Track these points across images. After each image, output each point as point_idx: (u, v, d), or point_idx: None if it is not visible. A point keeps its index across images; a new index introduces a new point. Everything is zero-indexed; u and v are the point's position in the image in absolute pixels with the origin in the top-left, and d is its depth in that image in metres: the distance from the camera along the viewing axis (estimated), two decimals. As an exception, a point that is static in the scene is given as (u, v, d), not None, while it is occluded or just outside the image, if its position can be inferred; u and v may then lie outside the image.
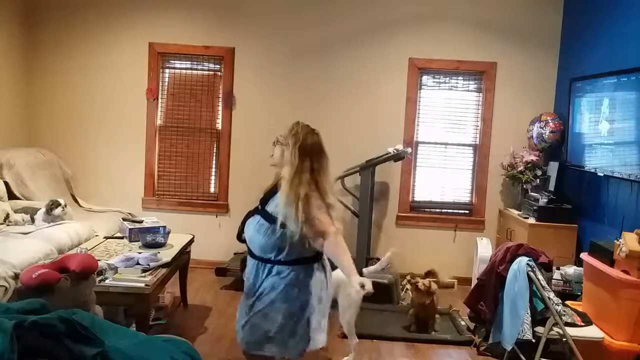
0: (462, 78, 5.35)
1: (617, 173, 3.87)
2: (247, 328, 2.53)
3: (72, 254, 2.77)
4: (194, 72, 5.42)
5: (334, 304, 3.31)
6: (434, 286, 3.91)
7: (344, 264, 2.38)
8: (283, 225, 2.40)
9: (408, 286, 3.98)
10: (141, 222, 4.16)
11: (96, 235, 4.22)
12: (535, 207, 4.61)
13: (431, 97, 5.37)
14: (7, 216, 4.18)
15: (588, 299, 3.57)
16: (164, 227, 4.01)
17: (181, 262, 4.00)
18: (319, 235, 2.39)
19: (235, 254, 5.09)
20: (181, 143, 5.45)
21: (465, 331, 4.01)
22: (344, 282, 3.12)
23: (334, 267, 2.78)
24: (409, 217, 5.38)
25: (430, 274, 4.16)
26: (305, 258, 2.48)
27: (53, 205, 4.18)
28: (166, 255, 3.58)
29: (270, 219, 2.46)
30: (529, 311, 3.28)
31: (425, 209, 5.46)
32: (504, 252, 3.56)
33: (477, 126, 5.35)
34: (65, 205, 4.24)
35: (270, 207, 2.49)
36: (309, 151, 2.44)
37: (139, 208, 5.34)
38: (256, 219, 2.54)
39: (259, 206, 2.58)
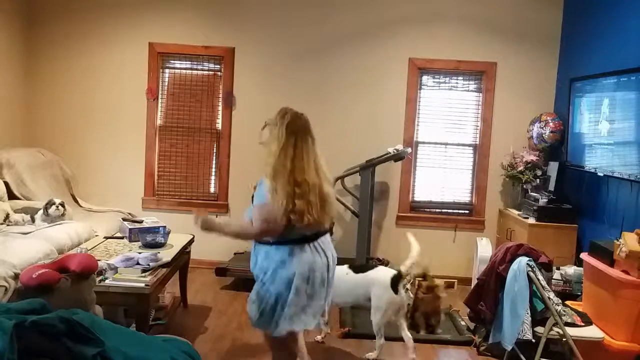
0: (462, 78, 5.35)
1: (617, 173, 3.87)
2: (252, 306, 2.64)
3: (72, 254, 2.78)
4: (194, 72, 5.42)
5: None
6: (440, 288, 3.93)
7: (230, 229, 2.72)
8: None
9: (420, 291, 3.99)
10: (141, 222, 4.16)
11: (96, 235, 4.22)
12: (535, 207, 4.61)
13: (431, 97, 5.37)
14: (7, 216, 4.18)
15: (588, 299, 3.57)
16: (164, 227, 4.01)
17: (181, 262, 4.00)
18: (253, 220, 2.52)
19: (235, 254, 5.09)
20: (181, 143, 5.45)
21: (465, 331, 4.01)
22: (377, 282, 3.41)
23: (366, 269, 3.21)
24: (409, 217, 5.38)
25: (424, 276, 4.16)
26: (292, 240, 2.54)
27: (48, 204, 4.18)
28: (166, 255, 3.58)
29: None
30: (529, 311, 3.27)
31: (425, 209, 5.46)
32: (504, 252, 3.56)
33: (477, 126, 5.35)
34: (62, 204, 4.23)
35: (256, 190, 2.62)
36: (295, 130, 2.58)
37: (139, 208, 5.34)
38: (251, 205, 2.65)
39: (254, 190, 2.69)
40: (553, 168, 4.90)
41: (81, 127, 5.40)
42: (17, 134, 5.24)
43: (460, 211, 5.43)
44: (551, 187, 4.84)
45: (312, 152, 2.59)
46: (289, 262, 2.51)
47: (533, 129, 5.00)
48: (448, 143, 5.40)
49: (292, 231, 2.51)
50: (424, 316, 3.99)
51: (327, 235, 2.70)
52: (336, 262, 2.74)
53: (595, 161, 4.21)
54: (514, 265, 3.41)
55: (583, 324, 3.31)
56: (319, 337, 3.78)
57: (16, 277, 3.09)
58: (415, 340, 3.88)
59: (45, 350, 1.52)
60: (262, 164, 2.57)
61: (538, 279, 3.29)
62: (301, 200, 2.46)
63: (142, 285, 3.14)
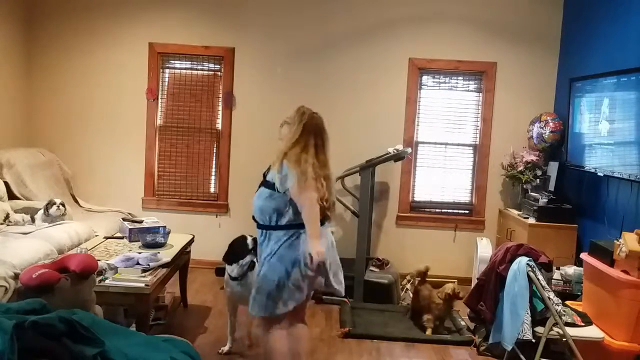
0: (462, 78, 5.35)
1: (617, 173, 3.87)
2: (254, 293, 2.79)
3: (72, 254, 2.78)
4: (194, 72, 5.42)
5: None
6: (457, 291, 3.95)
7: (309, 230, 2.66)
8: (279, 190, 2.69)
9: (438, 296, 4.00)
10: (141, 222, 4.16)
11: (96, 235, 4.22)
12: (535, 207, 4.61)
13: (431, 97, 5.37)
14: (7, 216, 4.18)
15: (588, 299, 3.57)
16: (164, 227, 4.01)
17: (181, 262, 4.00)
18: (301, 201, 2.65)
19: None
20: (181, 143, 5.45)
21: (465, 331, 4.01)
22: None
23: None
24: (409, 217, 5.38)
25: (424, 273, 4.16)
26: (298, 224, 2.70)
27: (48, 204, 4.18)
28: (166, 255, 3.58)
29: (269, 185, 2.75)
30: (529, 311, 3.28)
31: (425, 209, 5.46)
32: (504, 252, 3.56)
33: (477, 126, 5.36)
34: (62, 204, 4.23)
35: (269, 176, 2.79)
36: (314, 129, 2.78)
37: (139, 208, 5.34)
38: (260, 189, 2.83)
39: (263, 178, 2.87)
40: (553, 168, 4.90)
41: (81, 127, 5.40)
42: (17, 134, 5.24)
43: (460, 211, 5.43)
44: (551, 187, 4.84)
45: (328, 149, 2.85)
46: (296, 244, 2.68)
47: (533, 129, 5.00)
48: (448, 143, 5.40)
49: (298, 215, 2.68)
50: (437, 319, 3.99)
51: (327, 223, 2.87)
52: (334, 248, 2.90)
53: (595, 161, 4.21)
54: (514, 265, 3.41)
55: (583, 324, 3.31)
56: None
57: (16, 277, 3.09)
58: (416, 340, 3.89)
59: (45, 350, 1.52)
60: (277, 157, 2.75)
61: (538, 279, 3.29)
62: (323, 190, 2.68)
63: (142, 285, 3.14)
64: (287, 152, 2.70)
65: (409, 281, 4.93)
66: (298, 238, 2.69)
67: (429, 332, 3.95)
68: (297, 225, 2.70)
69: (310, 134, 2.76)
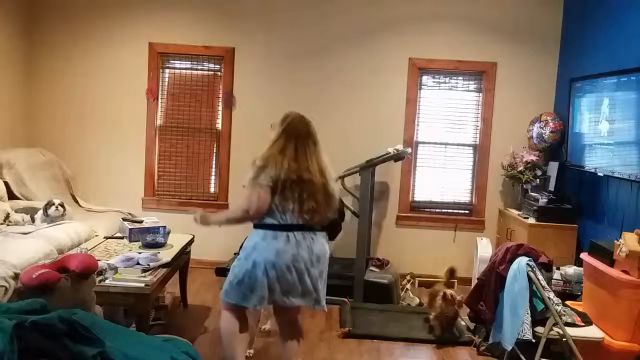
0: (462, 78, 5.35)
1: (617, 173, 3.87)
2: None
3: (72, 254, 2.78)
4: (194, 72, 5.42)
5: None
6: (458, 296, 3.91)
7: (217, 214, 2.97)
8: None
9: (439, 299, 3.98)
10: (141, 222, 4.15)
11: (96, 235, 4.21)
12: (535, 207, 4.61)
13: (431, 97, 5.37)
14: (7, 216, 4.18)
15: (588, 299, 3.57)
16: (164, 227, 4.01)
17: (181, 262, 4.00)
18: (239, 200, 2.81)
19: (235, 254, 5.07)
20: (181, 143, 5.45)
21: (465, 331, 4.01)
22: None
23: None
24: (409, 217, 5.38)
25: (452, 272, 4.15)
26: (269, 225, 2.73)
27: (47, 205, 4.18)
28: (166, 255, 3.57)
29: None
30: (529, 311, 3.27)
31: (425, 209, 5.46)
32: (504, 252, 3.56)
33: (477, 126, 5.36)
34: (61, 205, 4.22)
35: None
36: (295, 133, 2.79)
37: (139, 208, 5.34)
38: None
39: None
40: (553, 168, 4.90)
41: (81, 127, 5.40)
42: (17, 134, 5.24)
43: (460, 211, 5.43)
44: (551, 187, 4.84)
45: (314, 154, 2.79)
46: (259, 246, 2.72)
47: (533, 129, 5.00)
48: (448, 143, 5.40)
49: (271, 217, 2.72)
50: (448, 321, 3.98)
51: (318, 233, 2.83)
52: (323, 260, 2.83)
53: (595, 161, 4.21)
54: (514, 265, 3.41)
55: (583, 324, 3.31)
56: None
57: (16, 277, 3.09)
58: (416, 341, 3.89)
59: (45, 350, 1.52)
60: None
61: (538, 279, 3.29)
62: (259, 202, 2.68)
63: (142, 285, 3.13)
64: (264, 156, 2.74)
65: (409, 281, 4.93)
66: (264, 240, 2.72)
67: (437, 332, 3.95)
68: (266, 226, 2.74)
69: (291, 137, 2.77)
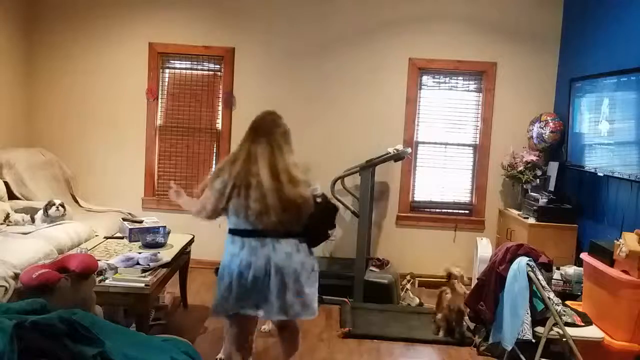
0: (462, 78, 5.35)
1: (617, 173, 3.87)
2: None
3: (72, 254, 2.78)
4: (194, 72, 5.42)
5: None
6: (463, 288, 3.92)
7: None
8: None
9: (447, 292, 3.96)
10: (141, 222, 4.15)
11: (96, 235, 4.21)
12: (535, 207, 4.61)
13: (431, 97, 5.37)
14: (7, 216, 4.18)
15: (588, 299, 3.57)
16: (164, 227, 4.01)
17: (181, 262, 4.00)
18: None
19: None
20: (181, 143, 5.45)
21: (465, 331, 4.00)
22: None
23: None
24: (409, 217, 5.38)
25: (449, 275, 4.13)
26: (231, 229, 2.70)
27: (48, 205, 4.18)
28: (166, 255, 3.57)
29: None
30: (529, 311, 3.28)
31: (425, 209, 5.46)
32: (504, 252, 3.56)
33: (477, 126, 5.35)
34: (61, 205, 4.22)
35: None
36: (252, 134, 2.84)
37: (139, 208, 5.34)
38: None
39: None
40: (553, 168, 4.90)
41: (81, 127, 5.40)
42: (17, 134, 5.23)
43: (460, 211, 5.43)
44: (551, 187, 4.84)
45: (273, 156, 2.68)
46: (225, 249, 2.72)
47: (533, 129, 5.00)
48: (448, 143, 5.40)
49: (232, 222, 2.68)
50: (456, 320, 3.97)
51: (285, 240, 2.63)
52: (288, 271, 2.60)
53: (595, 161, 4.21)
54: (514, 265, 3.41)
55: (583, 324, 3.31)
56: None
57: (16, 277, 3.09)
58: (416, 341, 3.89)
59: (45, 350, 1.52)
60: None
61: (538, 279, 3.29)
62: (240, 198, 2.58)
63: (142, 285, 3.13)
64: (224, 160, 2.79)
65: (409, 281, 4.93)
66: (233, 243, 2.67)
67: (442, 332, 3.95)
68: (230, 230, 2.70)
69: (249, 139, 2.80)
